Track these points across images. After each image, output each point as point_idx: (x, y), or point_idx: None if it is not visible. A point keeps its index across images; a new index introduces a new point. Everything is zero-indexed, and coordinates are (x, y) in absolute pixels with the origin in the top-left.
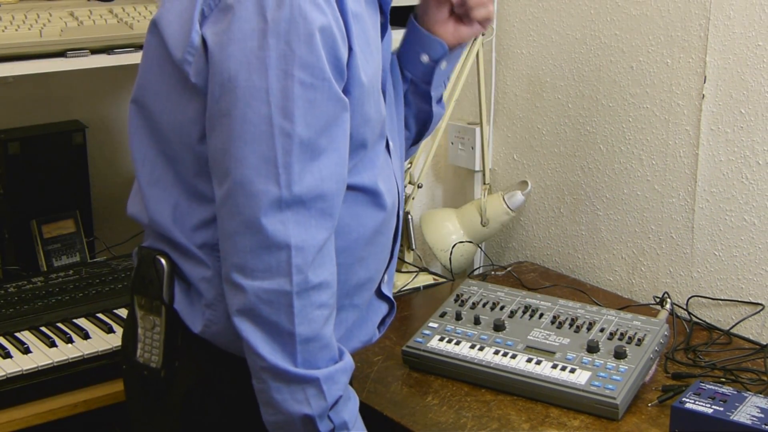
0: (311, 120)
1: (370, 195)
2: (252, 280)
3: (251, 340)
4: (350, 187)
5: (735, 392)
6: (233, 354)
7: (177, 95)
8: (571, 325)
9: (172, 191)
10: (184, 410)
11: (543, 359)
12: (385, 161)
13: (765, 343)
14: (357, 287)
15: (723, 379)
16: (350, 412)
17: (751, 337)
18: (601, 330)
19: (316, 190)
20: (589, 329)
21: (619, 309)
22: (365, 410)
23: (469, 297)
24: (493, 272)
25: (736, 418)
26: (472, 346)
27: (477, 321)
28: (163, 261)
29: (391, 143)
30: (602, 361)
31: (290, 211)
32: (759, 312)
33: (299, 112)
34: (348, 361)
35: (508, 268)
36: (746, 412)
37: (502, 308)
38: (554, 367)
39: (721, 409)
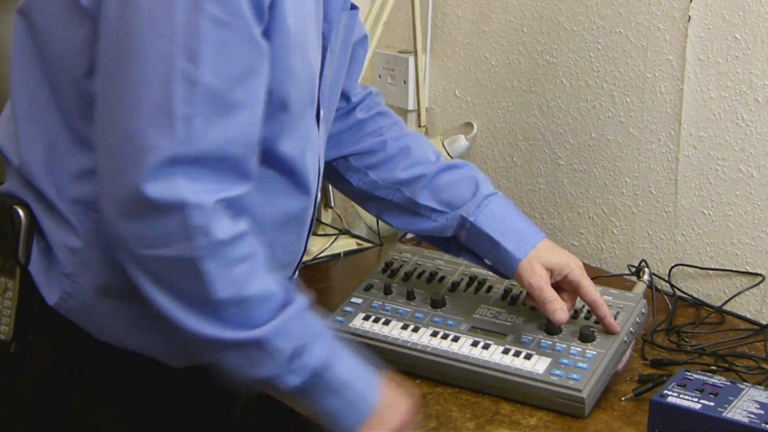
0: (222, 66)
1: (289, 173)
2: (148, 249)
3: (169, 312)
4: (265, 160)
5: (728, 383)
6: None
7: (67, 16)
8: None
9: (51, 130)
10: (37, 392)
11: (492, 343)
12: (311, 133)
13: (765, 323)
14: None
15: (713, 367)
16: (320, 354)
17: (748, 316)
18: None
19: (218, 152)
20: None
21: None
22: (272, 404)
23: (401, 266)
24: None
25: (729, 416)
26: (405, 327)
27: (410, 296)
28: (21, 213)
29: (322, 112)
30: (564, 345)
31: (181, 170)
32: (758, 284)
33: (207, 55)
34: (298, 304)
35: None
36: (742, 407)
37: (441, 280)
38: (505, 352)
39: (711, 404)
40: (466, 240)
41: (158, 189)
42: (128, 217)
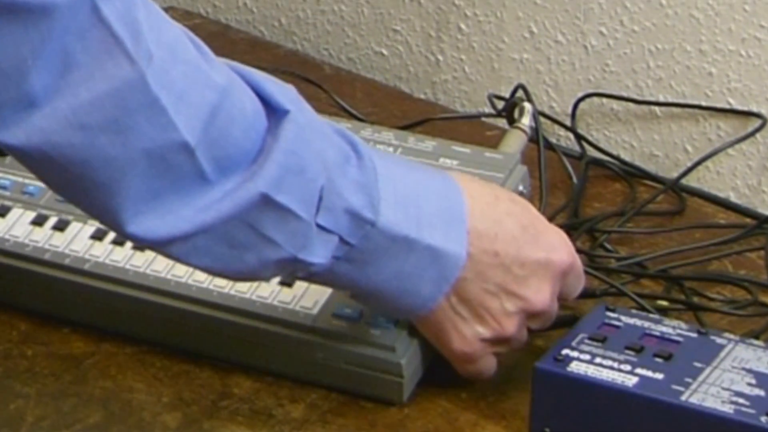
0: None
1: None
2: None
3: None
4: None
5: (692, 334)
6: None
7: None
8: None
9: None
10: None
11: None
12: None
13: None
14: None
15: (663, 302)
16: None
17: (733, 198)
18: None
19: None
20: None
21: (411, 126)
22: None
23: None
24: None
25: (695, 400)
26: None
27: None
28: None
29: None
30: None
31: None
32: (753, 134)
33: None
34: (287, 131)
35: None
36: (719, 383)
37: None
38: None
39: (660, 376)
40: None
41: None
42: None
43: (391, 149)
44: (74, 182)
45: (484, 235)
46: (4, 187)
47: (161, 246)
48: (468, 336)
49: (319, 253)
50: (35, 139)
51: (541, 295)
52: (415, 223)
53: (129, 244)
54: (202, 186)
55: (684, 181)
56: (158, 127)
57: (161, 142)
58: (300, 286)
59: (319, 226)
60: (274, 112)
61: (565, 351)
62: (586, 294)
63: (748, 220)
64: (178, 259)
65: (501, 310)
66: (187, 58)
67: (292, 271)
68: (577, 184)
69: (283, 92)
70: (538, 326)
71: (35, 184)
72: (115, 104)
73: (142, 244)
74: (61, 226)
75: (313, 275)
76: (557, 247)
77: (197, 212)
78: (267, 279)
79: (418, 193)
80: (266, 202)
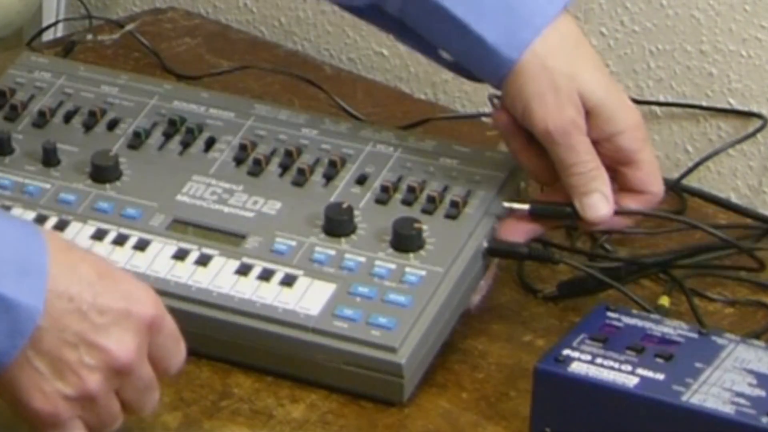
0: None
1: None
2: None
3: None
4: None
5: (694, 335)
6: None
7: None
8: (286, 168)
9: None
10: None
11: (219, 253)
12: None
13: None
14: None
15: (664, 302)
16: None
17: (733, 198)
18: (361, 179)
19: None
20: (330, 179)
21: (411, 125)
22: None
23: (31, 97)
24: (93, 36)
25: (696, 400)
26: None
27: (51, 159)
28: None
29: None
30: (363, 258)
31: None
32: (754, 134)
33: None
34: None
35: (130, 25)
36: (719, 383)
37: (114, 126)
38: (243, 272)
39: (660, 376)
40: (401, 11)
41: None
42: None
43: (391, 149)
44: None
45: (59, 280)
46: (4, 187)
47: None
48: (48, 393)
49: None
50: None
51: (124, 346)
52: None
53: (129, 245)
54: None
55: (684, 181)
56: None
57: None
58: (300, 287)
59: None
60: None
61: (565, 351)
62: (585, 289)
63: (748, 221)
64: None
65: (80, 362)
66: None
67: None
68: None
69: None
70: (130, 394)
71: (35, 184)
72: None
73: None
74: (61, 226)
75: None
76: (140, 299)
77: None
78: None
79: None
80: None
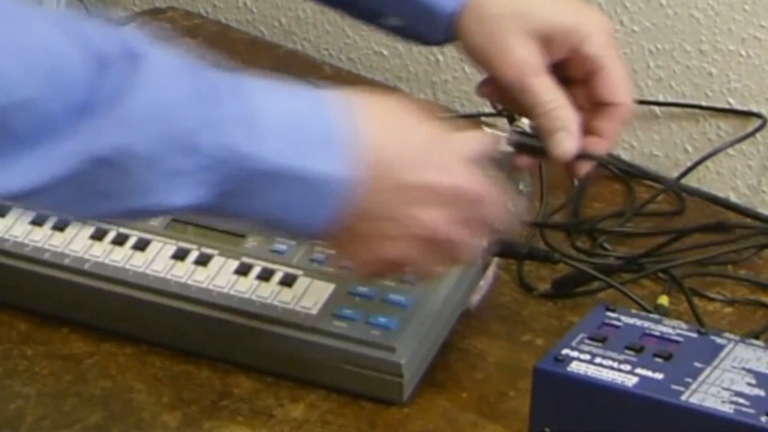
0: None
1: None
2: None
3: None
4: None
5: (693, 334)
6: None
7: None
8: None
9: None
10: None
11: (219, 252)
12: None
13: None
14: None
15: (663, 302)
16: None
17: (733, 198)
18: None
19: None
20: None
21: None
22: None
23: None
24: None
25: (695, 400)
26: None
27: None
28: None
29: None
30: None
31: None
32: (753, 134)
33: None
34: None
35: (130, 25)
36: (719, 383)
37: None
38: (243, 271)
39: (659, 376)
40: None
41: None
42: None
43: None
44: None
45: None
46: None
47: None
48: (396, 237)
49: (189, 194)
50: None
51: (469, 177)
52: (293, 149)
53: (129, 244)
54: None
55: (684, 181)
56: None
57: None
58: (300, 286)
59: (186, 166)
60: (129, 56)
61: (565, 351)
62: (584, 289)
63: (748, 220)
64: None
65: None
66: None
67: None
68: (577, 184)
69: (134, 37)
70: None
71: None
72: None
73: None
74: (60, 226)
75: (196, 210)
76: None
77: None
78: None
79: (293, 120)
80: (123, 152)
